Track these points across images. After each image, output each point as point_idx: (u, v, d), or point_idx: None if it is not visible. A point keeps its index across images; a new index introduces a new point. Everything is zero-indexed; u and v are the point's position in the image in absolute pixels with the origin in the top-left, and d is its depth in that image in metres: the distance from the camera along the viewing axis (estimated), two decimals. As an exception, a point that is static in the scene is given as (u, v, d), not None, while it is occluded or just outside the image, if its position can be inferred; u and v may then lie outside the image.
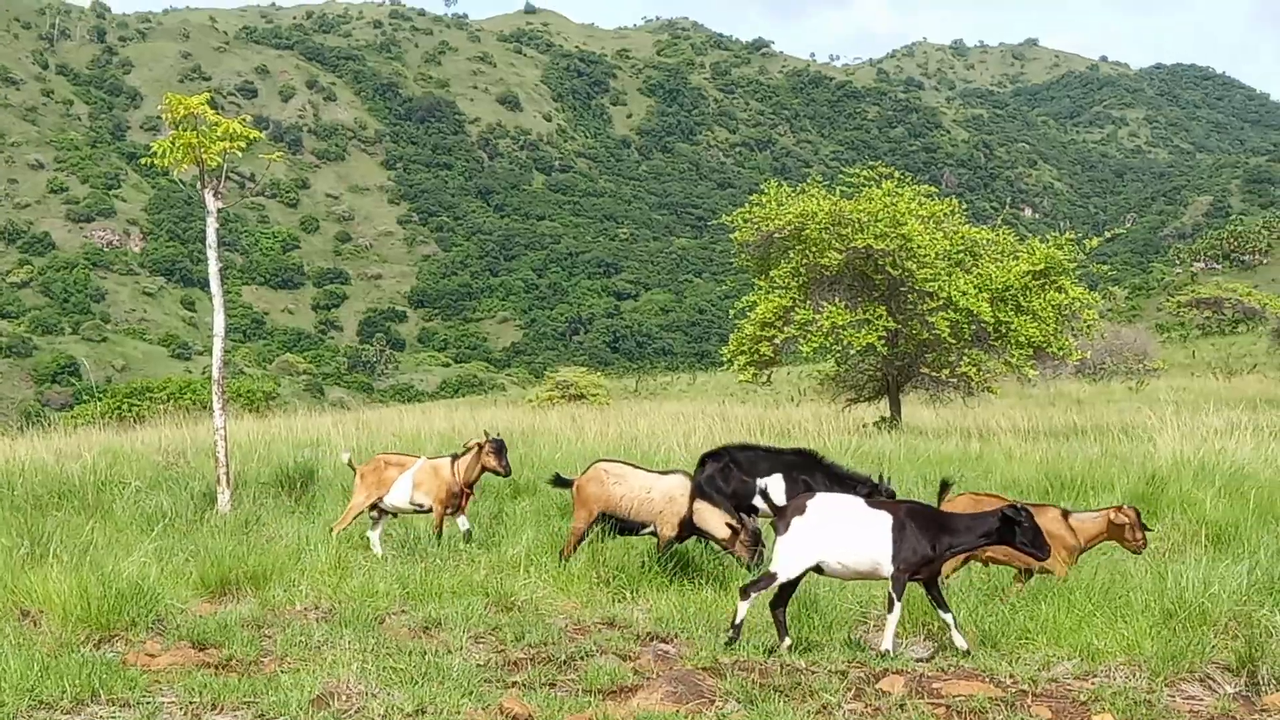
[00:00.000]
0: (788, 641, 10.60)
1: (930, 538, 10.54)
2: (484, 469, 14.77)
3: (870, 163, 42.25)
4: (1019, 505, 10.75)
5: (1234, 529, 14.27)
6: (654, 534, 13.32)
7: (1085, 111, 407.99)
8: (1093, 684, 9.79)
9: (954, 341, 36.14)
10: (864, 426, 34.32)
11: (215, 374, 18.55)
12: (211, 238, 18.50)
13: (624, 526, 13.38)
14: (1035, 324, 36.07)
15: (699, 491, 13.00)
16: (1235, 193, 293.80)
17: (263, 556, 13.49)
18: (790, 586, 10.74)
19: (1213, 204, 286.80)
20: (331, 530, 15.25)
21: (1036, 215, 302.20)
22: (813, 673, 9.94)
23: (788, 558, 10.54)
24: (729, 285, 65.32)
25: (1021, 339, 36.00)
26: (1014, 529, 10.57)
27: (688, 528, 12.97)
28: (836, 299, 36.94)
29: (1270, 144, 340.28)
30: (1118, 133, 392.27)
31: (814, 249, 36.73)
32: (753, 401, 57.57)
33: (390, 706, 8.98)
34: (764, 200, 39.02)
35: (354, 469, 15.61)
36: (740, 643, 10.63)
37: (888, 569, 10.50)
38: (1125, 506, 12.15)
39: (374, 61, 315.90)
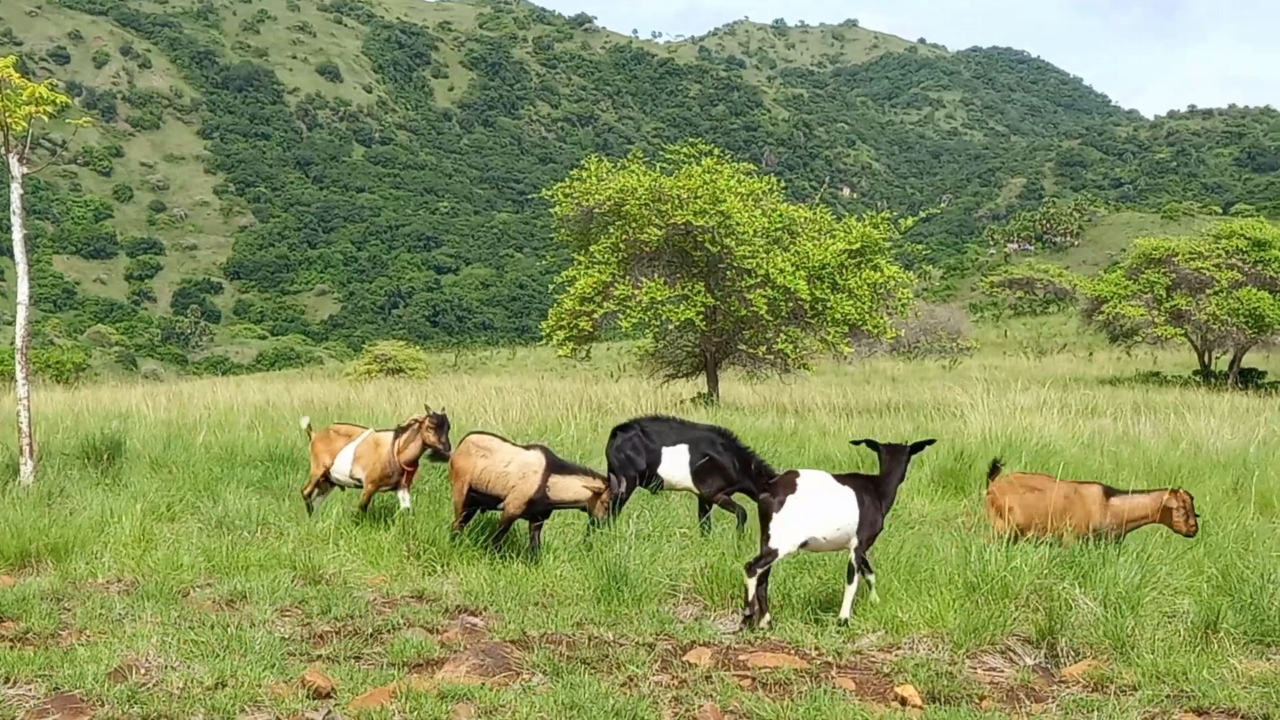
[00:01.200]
0: (767, 618, 10.63)
1: (883, 508, 11.00)
2: (424, 445, 14.17)
3: (691, 140, 42.28)
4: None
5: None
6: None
7: (903, 93, 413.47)
8: (897, 656, 9.92)
9: (771, 319, 36.36)
10: (682, 402, 34.43)
11: (19, 343, 18.10)
12: (16, 204, 17.99)
13: (488, 501, 13.04)
14: (851, 302, 36.42)
15: (557, 466, 12.85)
16: (1048, 175, 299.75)
17: (65, 529, 13.18)
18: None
19: (1026, 186, 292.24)
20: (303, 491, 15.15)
21: (855, 195, 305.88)
22: (620, 645, 9.94)
23: (785, 533, 10.62)
24: (549, 260, 65.10)
25: (837, 317, 36.33)
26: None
27: (539, 504, 12.73)
28: (656, 275, 36.99)
29: (1083, 128, 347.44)
30: (935, 114, 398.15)
31: (634, 225, 36.74)
32: (572, 377, 57.58)
33: (190, 679, 8.82)
34: (584, 175, 38.95)
35: (310, 437, 15.24)
36: (754, 621, 10.58)
37: (854, 541, 10.77)
38: (1180, 490, 12.33)
39: (191, 29, 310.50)
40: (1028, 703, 8.96)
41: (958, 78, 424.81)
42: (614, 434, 14.83)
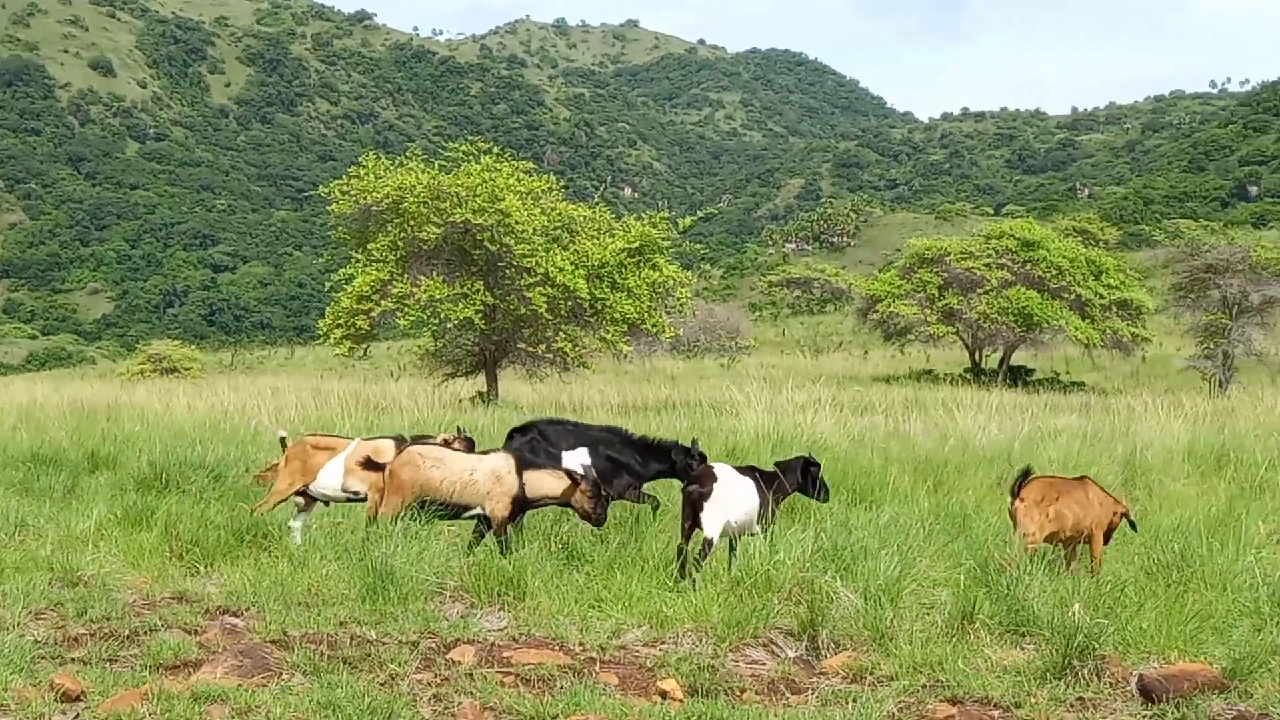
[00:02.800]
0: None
1: (776, 494, 12.18)
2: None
3: (471, 138, 42.19)
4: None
5: (806, 499, 14.71)
6: (479, 516, 12.71)
7: (684, 93, 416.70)
8: (661, 650, 9.94)
9: (551, 317, 36.45)
10: (460, 402, 34.34)
11: None
12: None
13: (448, 510, 12.66)
14: (630, 301, 36.64)
15: (526, 463, 12.66)
16: (825, 176, 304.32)
17: None
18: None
19: (804, 187, 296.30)
20: (251, 511, 14.01)
21: (636, 194, 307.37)
22: (383, 644, 9.86)
23: (714, 522, 11.43)
24: (327, 259, 64.46)
25: (617, 315, 36.53)
26: (807, 478, 12.65)
27: (520, 504, 12.54)
28: (435, 273, 36.84)
29: (859, 129, 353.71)
30: (715, 115, 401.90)
31: (412, 223, 36.56)
32: (351, 376, 57.12)
33: (-69, 685, 8.54)
34: (362, 173, 38.66)
35: (283, 450, 14.19)
36: None
37: (756, 527, 11.82)
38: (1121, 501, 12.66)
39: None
40: (787, 695, 9.06)
41: (737, 79, 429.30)
42: (510, 436, 14.61)
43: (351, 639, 9.93)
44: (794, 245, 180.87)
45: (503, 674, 9.20)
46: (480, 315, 36.01)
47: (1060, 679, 9.17)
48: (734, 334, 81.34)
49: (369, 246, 37.52)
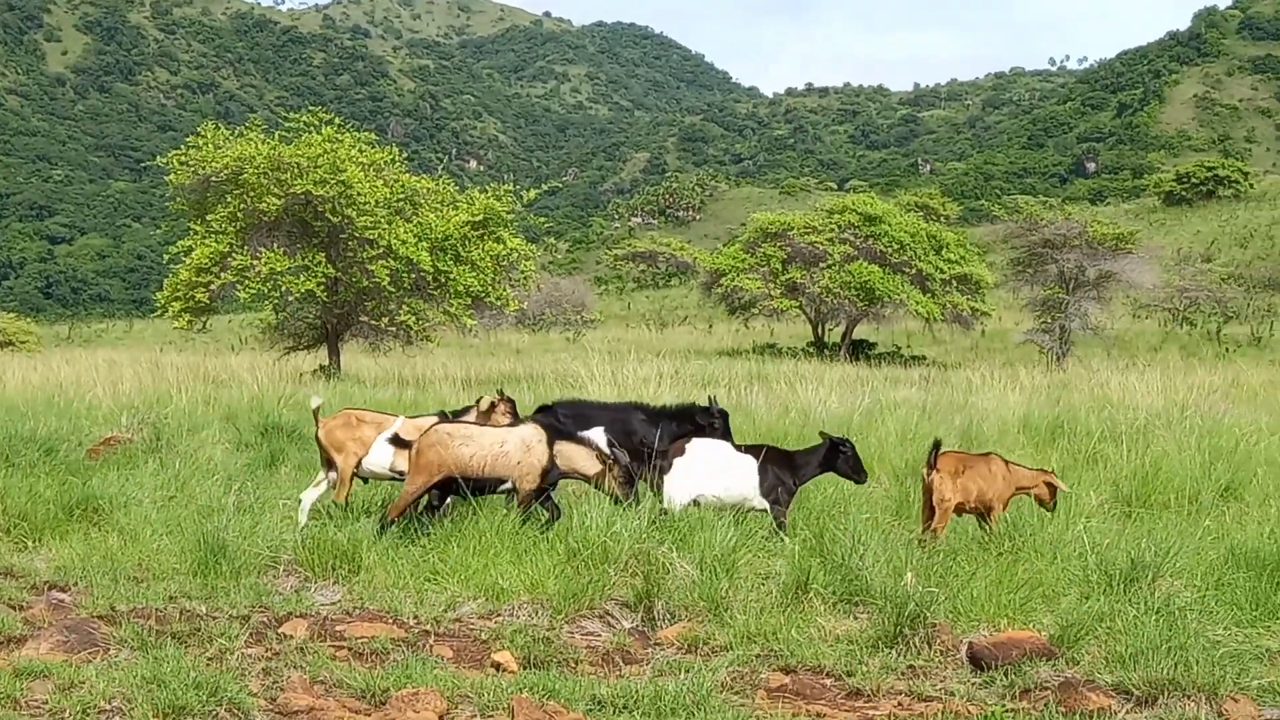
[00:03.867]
0: None
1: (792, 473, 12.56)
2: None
3: (312, 108, 41.66)
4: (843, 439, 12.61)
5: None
6: (511, 489, 12.48)
7: (530, 66, 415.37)
8: (496, 623, 9.95)
9: (394, 290, 36.17)
10: (302, 375, 34.02)
11: None
12: None
13: (477, 486, 12.37)
14: (474, 274, 36.46)
15: (558, 433, 12.52)
16: (671, 150, 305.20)
17: None
18: None
19: (650, 161, 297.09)
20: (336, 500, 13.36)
21: (482, 167, 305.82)
22: (214, 618, 9.76)
23: (673, 493, 12.25)
24: (165, 230, 63.41)
25: (460, 288, 36.33)
26: (838, 457, 12.59)
27: (550, 475, 12.37)
28: (276, 245, 36.37)
29: (705, 104, 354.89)
30: (561, 88, 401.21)
31: (252, 194, 36.06)
32: (191, 350, 56.27)
33: None
34: (201, 143, 38.07)
35: (317, 421, 13.48)
36: None
37: (756, 501, 12.35)
38: (1052, 472, 13.12)
39: None
40: (622, 665, 9.12)
41: (583, 52, 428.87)
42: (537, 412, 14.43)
43: (181, 613, 9.82)
44: (640, 219, 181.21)
45: (335, 647, 9.15)
46: (322, 288, 35.66)
47: (892, 647, 9.33)
48: (579, 307, 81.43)
49: (208, 218, 36.91)
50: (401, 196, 37.37)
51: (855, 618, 10.08)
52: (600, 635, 9.83)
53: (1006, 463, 12.84)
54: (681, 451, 12.38)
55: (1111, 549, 11.29)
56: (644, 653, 9.44)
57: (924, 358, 54.09)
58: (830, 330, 59.73)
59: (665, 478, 12.32)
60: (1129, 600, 10.16)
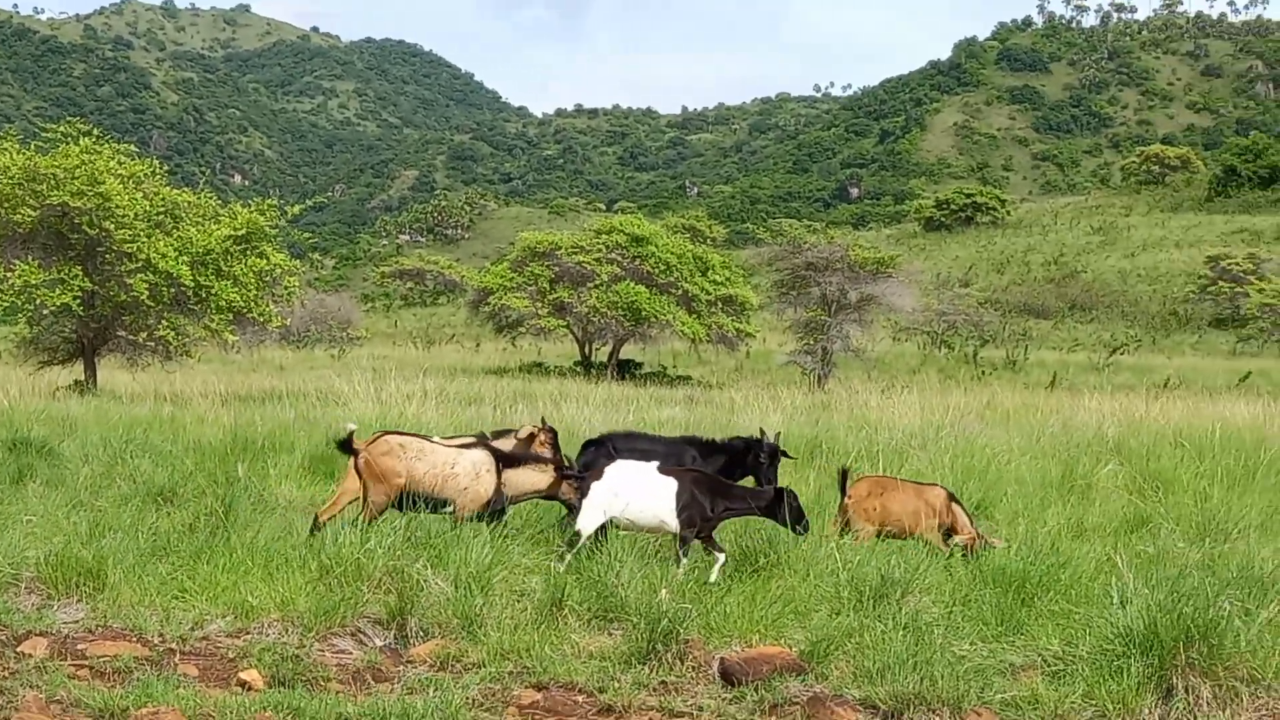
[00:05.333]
0: None
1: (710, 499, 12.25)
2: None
3: (70, 119, 40.69)
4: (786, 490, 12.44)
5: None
6: (450, 510, 12.42)
7: (296, 81, 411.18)
8: (245, 641, 9.79)
9: (153, 304, 35.47)
10: (56, 390, 33.20)
11: None
12: None
13: (420, 503, 12.33)
14: (236, 289, 35.91)
15: (507, 461, 12.50)
16: (440, 168, 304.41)
17: None
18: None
19: (419, 178, 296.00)
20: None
21: (247, 182, 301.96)
22: (-56, 638, 9.46)
23: (584, 516, 12.08)
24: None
25: (222, 304, 35.76)
26: (781, 506, 12.21)
27: (494, 504, 12.37)
28: (30, 257, 35.46)
29: (474, 123, 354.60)
30: (328, 104, 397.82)
31: (6, 205, 35.12)
32: (-60, 364, 54.54)
33: None
34: (-49, 153, 36.93)
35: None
36: None
37: (671, 523, 12.08)
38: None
39: None
40: (372, 683, 9.04)
41: (351, 68, 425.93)
42: (584, 449, 14.58)
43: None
44: (408, 236, 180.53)
45: (75, 666, 8.92)
46: (78, 302, 34.84)
47: (645, 664, 9.37)
48: (345, 324, 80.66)
49: (-41, 230, 35.88)
50: (162, 210, 36.66)
51: (610, 634, 10.10)
52: (351, 653, 9.73)
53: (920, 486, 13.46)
54: (600, 475, 12.23)
55: (863, 566, 11.45)
56: (395, 670, 9.36)
57: (689, 378, 54.60)
58: (597, 349, 59.90)
59: (583, 501, 12.19)
60: (878, 616, 10.32)
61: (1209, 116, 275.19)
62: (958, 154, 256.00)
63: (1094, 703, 8.96)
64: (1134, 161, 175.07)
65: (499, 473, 12.50)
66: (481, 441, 13.19)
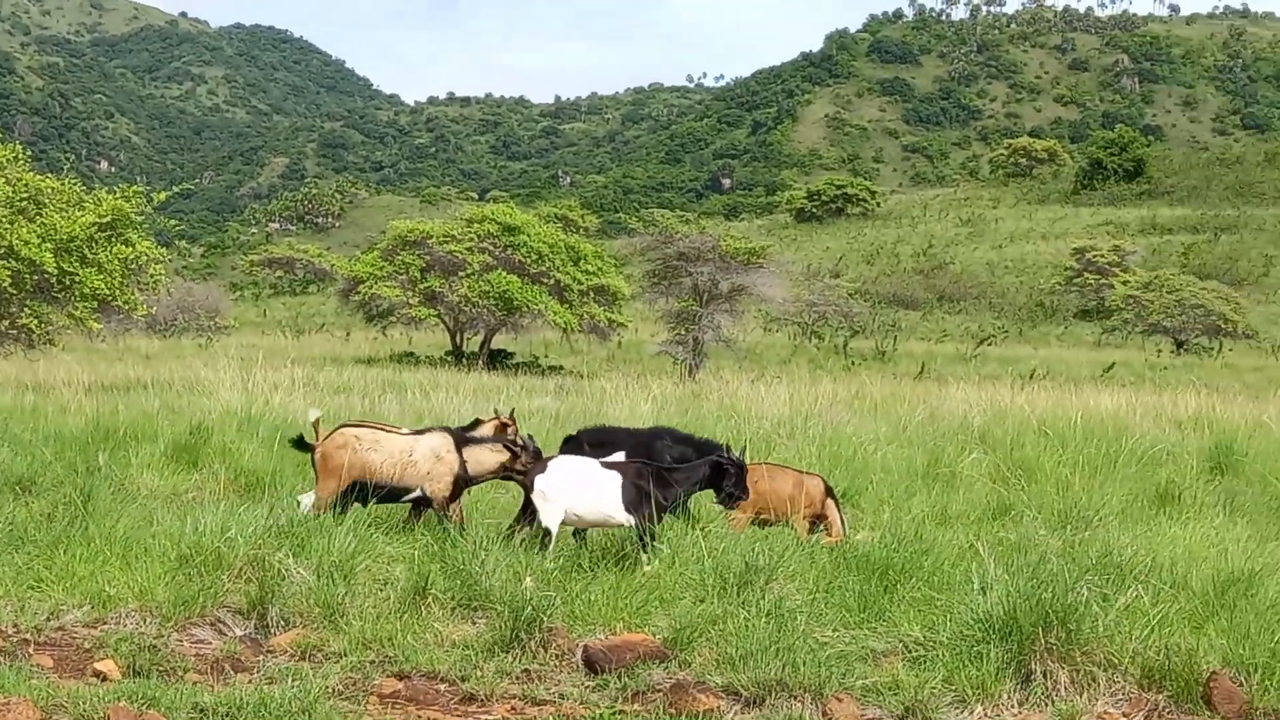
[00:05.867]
0: None
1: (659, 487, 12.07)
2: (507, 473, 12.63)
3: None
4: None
5: (273, 476, 14.58)
6: (421, 498, 12.35)
7: (165, 66, 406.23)
8: (101, 631, 9.66)
9: (15, 292, 34.91)
10: (-89, 379, 32.60)
11: None
12: None
13: (386, 494, 12.29)
14: (101, 277, 35.41)
15: (465, 440, 12.39)
16: (311, 156, 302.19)
17: None
18: None
19: (289, 166, 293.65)
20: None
21: (114, 169, 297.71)
22: None
23: (544, 513, 11.90)
24: None
25: (86, 291, 35.26)
26: (723, 476, 12.26)
27: (463, 482, 12.33)
28: (-112, 245, 34.78)
29: (345, 110, 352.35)
30: (197, 90, 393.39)
31: None
32: None
33: None
34: None
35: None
36: None
37: (622, 518, 11.88)
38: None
39: None
40: (231, 673, 8.96)
41: (220, 54, 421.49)
42: (564, 445, 14.34)
43: None
44: (278, 225, 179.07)
45: (-85, 665, 8.74)
46: (-62, 290, 34.26)
47: (508, 652, 9.36)
48: (214, 313, 79.74)
49: None
50: (25, 196, 36.07)
51: (474, 623, 10.08)
52: (211, 643, 9.63)
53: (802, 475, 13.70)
54: (544, 469, 12.07)
55: (728, 554, 11.50)
56: (255, 660, 9.28)
57: (561, 368, 54.59)
58: (469, 339, 59.69)
59: (533, 499, 12.05)
60: (742, 603, 10.37)
61: (1076, 110, 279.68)
62: (829, 145, 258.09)
63: (954, 687, 9.05)
64: (1002, 154, 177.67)
65: (460, 452, 12.48)
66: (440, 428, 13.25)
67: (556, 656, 9.38)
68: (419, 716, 8.41)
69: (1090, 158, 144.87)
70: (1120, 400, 29.11)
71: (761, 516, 13.45)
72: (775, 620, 9.80)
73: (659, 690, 8.83)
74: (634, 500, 11.89)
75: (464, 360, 53.85)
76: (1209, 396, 32.61)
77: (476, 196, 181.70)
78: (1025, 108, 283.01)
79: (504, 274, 54.39)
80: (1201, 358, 68.02)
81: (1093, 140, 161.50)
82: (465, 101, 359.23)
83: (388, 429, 13.13)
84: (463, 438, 12.80)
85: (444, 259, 55.71)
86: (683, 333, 52.28)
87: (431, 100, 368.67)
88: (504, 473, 12.82)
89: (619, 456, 13.59)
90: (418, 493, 12.46)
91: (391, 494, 12.47)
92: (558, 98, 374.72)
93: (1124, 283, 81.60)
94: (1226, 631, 9.85)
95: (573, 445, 14.29)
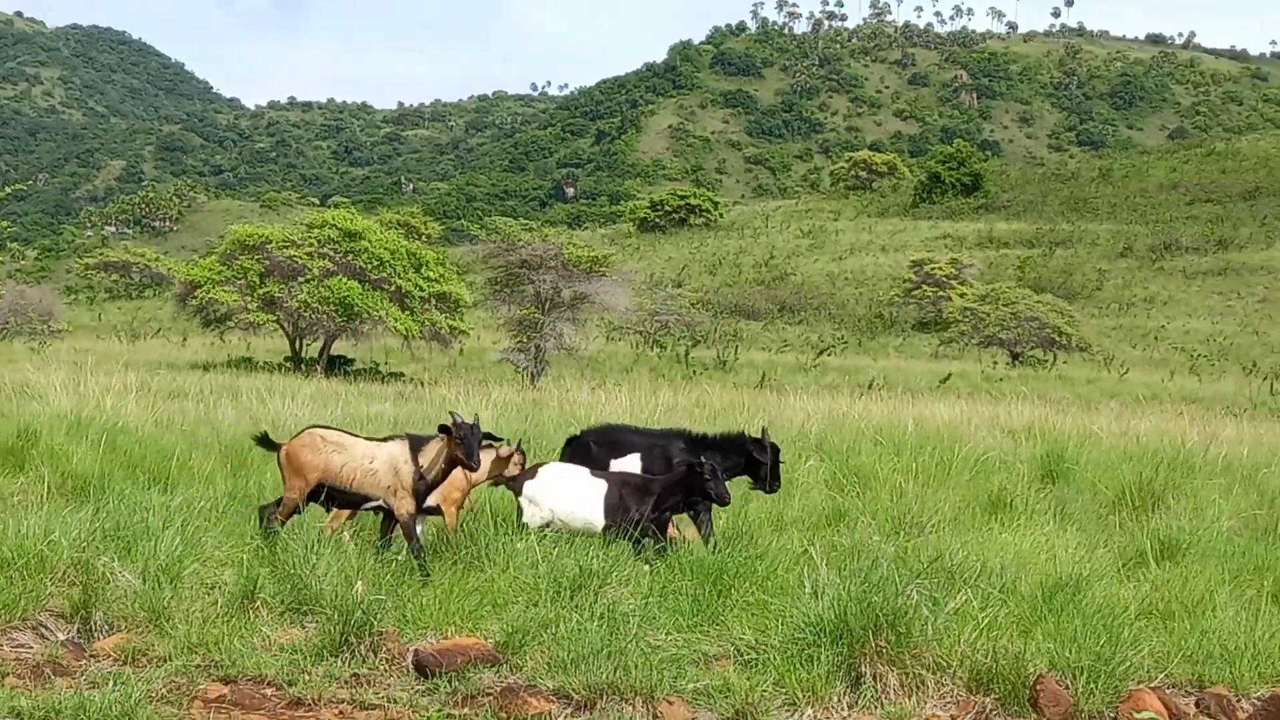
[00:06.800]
0: None
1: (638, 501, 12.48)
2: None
3: None
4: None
5: (102, 479, 14.36)
6: (381, 508, 11.97)
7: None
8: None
9: None
10: None
11: None
12: None
13: (345, 500, 11.98)
14: (-73, 278, 34.75)
15: (422, 445, 11.90)
16: (149, 159, 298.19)
17: None
18: None
19: (126, 169, 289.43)
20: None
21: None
22: None
23: (529, 517, 12.52)
24: None
25: (-88, 293, 34.56)
26: (700, 481, 12.45)
27: (424, 491, 11.84)
28: None
29: (184, 113, 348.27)
30: (32, 90, 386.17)
31: None
32: None
33: None
34: None
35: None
36: None
37: (597, 522, 12.40)
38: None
39: None
40: (53, 677, 8.80)
41: (56, 54, 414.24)
42: (567, 445, 14.31)
43: None
44: (114, 228, 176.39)
45: None
46: None
47: (338, 656, 9.30)
48: (47, 317, 78.33)
49: None
50: None
51: (304, 627, 10.00)
52: (32, 647, 9.47)
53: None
54: (533, 475, 12.46)
55: (562, 558, 11.50)
56: (78, 664, 9.13)
57: (402, 374, 54.26)
58: (309, 345, 59.19)
59: (519, 500, 12.59)
60: (575, 607, 10.37)
61: (915, 124, 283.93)
62: (673, 156, 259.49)
63: (784, 690, 9.11)
64: (843, 167, 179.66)
65: (415, 460, 12.04)
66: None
67: (387, 660, 9.33)
68: (244, 721, 8.30)
69: (929, 172, 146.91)
70: (956, 410, 29.47)
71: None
72: (608, 624, 9.81)
73: (489, 694, 8.83)
74: (614, 508, 12.35)
75: (303, 366, 53.42)
76: (1042, 407, 33.11)
77: (318, 202, 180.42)
78: (866, 121, 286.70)
79: (344, 280, 54.01)
80: (1036, 369, 69.11)
81: (931, 154, 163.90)
82: (307, 106, 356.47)
83: (355, 434, 12.95)
84: (420, 442, 12.37)
85: (284, 264, 55.18)
86: (525, 340, 52.21)
87: (273, 104, 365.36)
88: (496, 479, 12.93)
89: (632, 459, 13.72)
90: (377, 503, 12.13)
91: (352, 500, 12.19)
92: (401, 104, 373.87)
93: (961, 295, 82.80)
94: (1054, 635, 10.01)
95: (578, 446, 14.23)
